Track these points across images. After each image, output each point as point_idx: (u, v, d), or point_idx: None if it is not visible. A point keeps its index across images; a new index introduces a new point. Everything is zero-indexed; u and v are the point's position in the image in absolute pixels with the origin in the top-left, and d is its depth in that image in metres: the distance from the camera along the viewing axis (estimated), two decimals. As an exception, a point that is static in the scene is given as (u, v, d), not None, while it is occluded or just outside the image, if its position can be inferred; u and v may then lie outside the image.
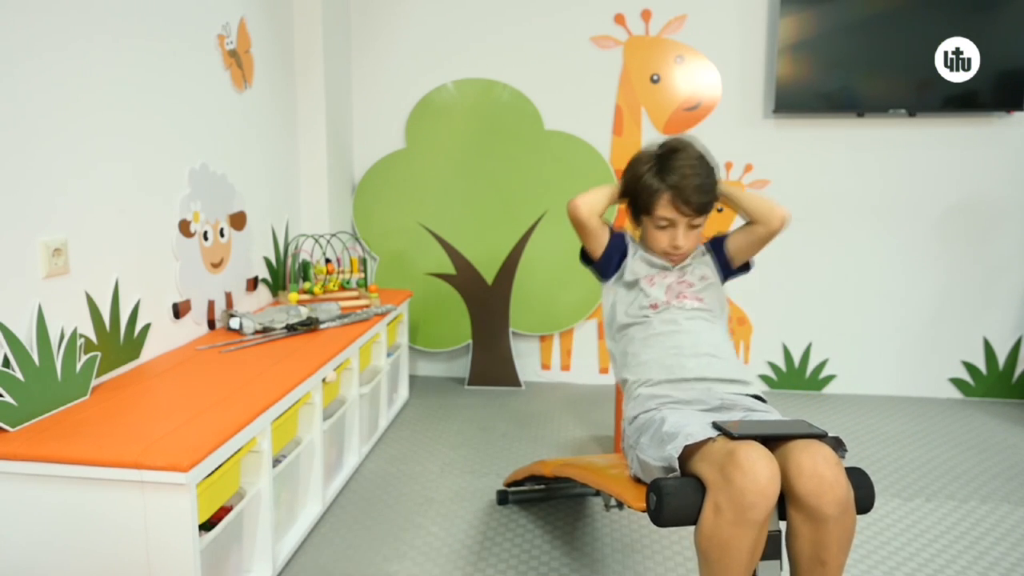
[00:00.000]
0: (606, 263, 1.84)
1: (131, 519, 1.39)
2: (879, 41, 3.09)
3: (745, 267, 1.86)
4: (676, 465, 1.38)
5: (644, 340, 1.72)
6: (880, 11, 3.07)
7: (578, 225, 1.80)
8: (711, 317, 1.75)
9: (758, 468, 1.27)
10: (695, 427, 1.41)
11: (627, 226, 1.90)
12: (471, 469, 2.55)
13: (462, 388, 3.48)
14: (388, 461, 2.61)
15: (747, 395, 1.64)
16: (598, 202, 1.79)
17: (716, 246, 1.84)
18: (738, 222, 1.85)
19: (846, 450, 1.43)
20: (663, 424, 1.48)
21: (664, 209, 1.69)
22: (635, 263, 1.80)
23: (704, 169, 1.69)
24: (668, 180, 1.67)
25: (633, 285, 1.78)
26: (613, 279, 1.84)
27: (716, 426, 1.40)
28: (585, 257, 1.89)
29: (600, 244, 1.82)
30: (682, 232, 1.71)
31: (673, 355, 1.66)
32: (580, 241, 1.85)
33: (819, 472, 1.30)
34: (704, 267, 1.80)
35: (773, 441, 1.39)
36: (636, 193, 1.75)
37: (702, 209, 1.69)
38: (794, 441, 1.37)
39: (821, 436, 1.38)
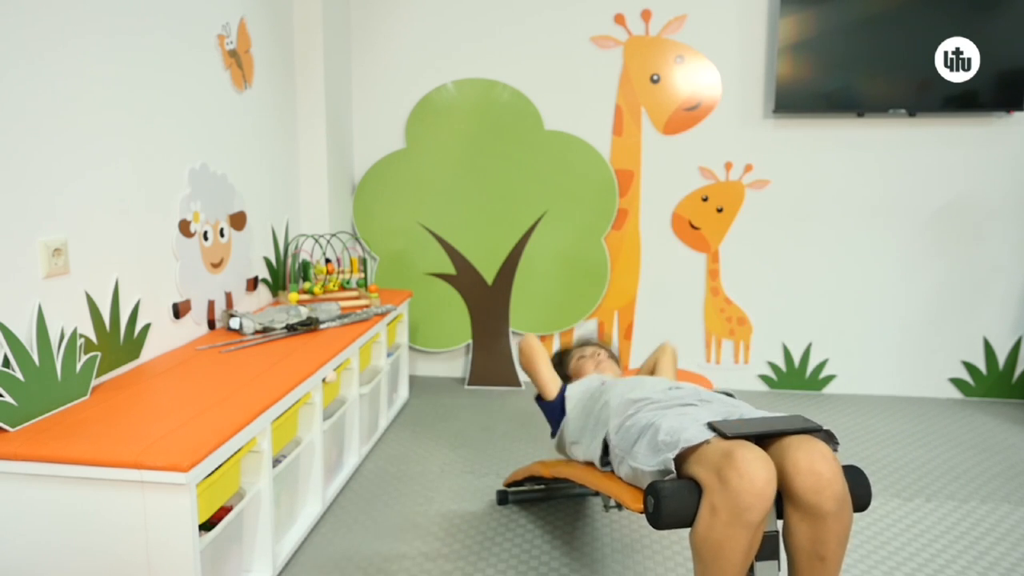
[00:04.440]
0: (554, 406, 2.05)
1: (131, 519, 1.39)
2: (879, 41, 3.09)
3: None
4: (673, 468, 1.38)
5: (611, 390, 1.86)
6: (880, 11, 3.07)
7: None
8: None
9: (755, 470, 1.27)
10: (692, 431, 1.40)
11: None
12: (471, 469, 2.55)
13: (462, 388, 3.48)
14: (388, 461, 2.61)
15: (716, 391, 1.76)
16: (536, 367, 2.17)
17: None
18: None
19: (838, 443, 1.44)
20: (658, 432, 1.47)
21: (579, 351, 2.27)
22: (581, 384, 2.02)
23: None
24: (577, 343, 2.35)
25: (588, 395, 1.94)
26: (568, 409, 1.98)
27: (711, 427, 1.40)
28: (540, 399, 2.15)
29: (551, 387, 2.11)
30: (604, 361, 2.18)
31: (637, 384, 1.82)
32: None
33: (816, 469, 1.30)
34: None
35: (766, 438, 1.39)
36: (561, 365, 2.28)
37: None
38: (789, 438, 1.37)
39: (814, 431, 1.38)
